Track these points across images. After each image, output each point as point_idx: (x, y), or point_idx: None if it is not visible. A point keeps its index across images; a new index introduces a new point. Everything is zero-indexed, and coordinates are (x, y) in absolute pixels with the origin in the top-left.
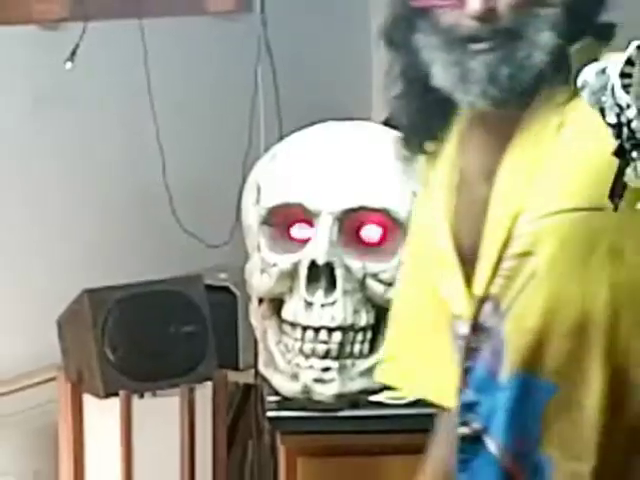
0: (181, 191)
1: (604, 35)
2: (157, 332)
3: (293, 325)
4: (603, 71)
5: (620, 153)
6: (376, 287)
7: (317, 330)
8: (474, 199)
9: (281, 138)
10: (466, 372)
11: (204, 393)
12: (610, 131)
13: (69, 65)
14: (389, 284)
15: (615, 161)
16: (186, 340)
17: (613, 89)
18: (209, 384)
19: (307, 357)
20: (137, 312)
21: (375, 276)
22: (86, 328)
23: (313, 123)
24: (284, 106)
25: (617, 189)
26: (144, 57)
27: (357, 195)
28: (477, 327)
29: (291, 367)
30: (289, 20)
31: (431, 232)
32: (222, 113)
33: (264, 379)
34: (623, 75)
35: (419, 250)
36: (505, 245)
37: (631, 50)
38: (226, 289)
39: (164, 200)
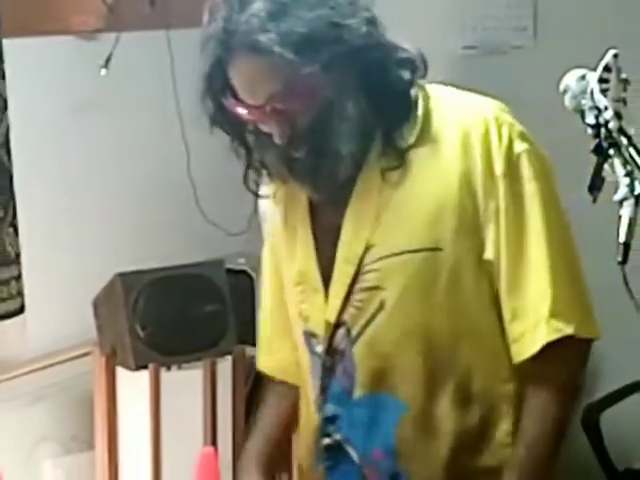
0: (204, 185)
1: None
2: (182, 311)
3: None
4: (583, 77)
5: (598, 151)
6: None
7: None
8: (330, 228)
9: None
10: (325, 389)
11: (225, 366)
12: (590, 131)
13: (104, 72)
14: None
15: (447, 207)
16: (209, 318)
17: (592, 93)
18: (229, 358)
19: None
20: (165, 293)
21: None
22: (118, 308)
23: None
24: None
25: (596, 183)
26: (171, 63)
27: None
28: (331, 349)
29: None
30: None
31: (293, 251)
32: None
33: None
34: (601, 80)
35: (280, 268)
36: (355, 279)
37: (608, 58)
38: (245, 273)
39: (189, 193)
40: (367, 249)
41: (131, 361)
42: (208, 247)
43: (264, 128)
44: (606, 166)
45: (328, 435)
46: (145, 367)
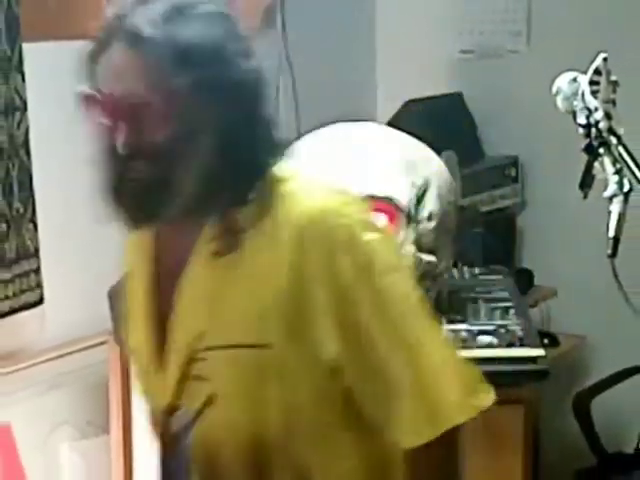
0: None
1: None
2: None
3: None
4: (575, 79)
5: (589, 150)
6: None
7: None
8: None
9: (299, 137)
10: (162, 471)
11: None
12: (581, 130)
13: None
14: None
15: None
16: None
17: (583, 95)
18: None
19: None
20: None
21: None
22: None
23: (327, 124)
24: (302, 110)
25: (586, 181)
26: None
27: (365, 185)
28: (167, 435)
29: None
30: (306, 37)
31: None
32: None
33: None
34: (592, 83)
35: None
36: (187, 364)
37: (598, 61)
38: None
39: None
40: (200, 335)
41: None
42: None
43: (108, 135)
44: (596, 164)
45: None
46: None
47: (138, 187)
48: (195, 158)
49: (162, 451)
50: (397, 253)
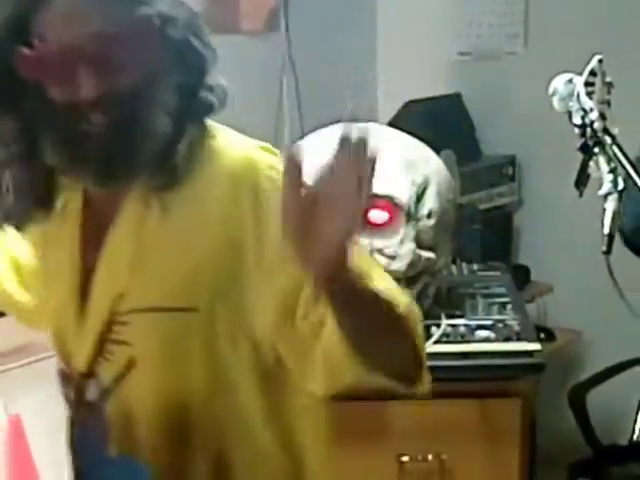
0: None
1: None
2: None
3: None
4: (570, 81)
5: (584, 149)
6: (380, 260)
7: None
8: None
9: (303, 136)
10: (73, 441)
11: None
12: (576, 130)
13: None
14: (391, 258)
15: (210, 262)
16: None
17: (579, 96)
18: None
19: None
20: None
21: (380, 251)
22: None
23: (329, 124)
24: (305, 109)
25: (582, 179)
26: None
27: None
28: (82, 401)
29: None
30: (309, 39)
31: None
32: (253, 116)
33: None
34: (587, 84)
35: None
36: (106, 327)
37: (594, 63)
38: None
39: None
40: (120, 297)
41: None
42: None
43: (55, 90)
44: (591, 163)
45: None
46: None
47: (104, 138)
48: (168, 96)
49: (76, 419)
50: None
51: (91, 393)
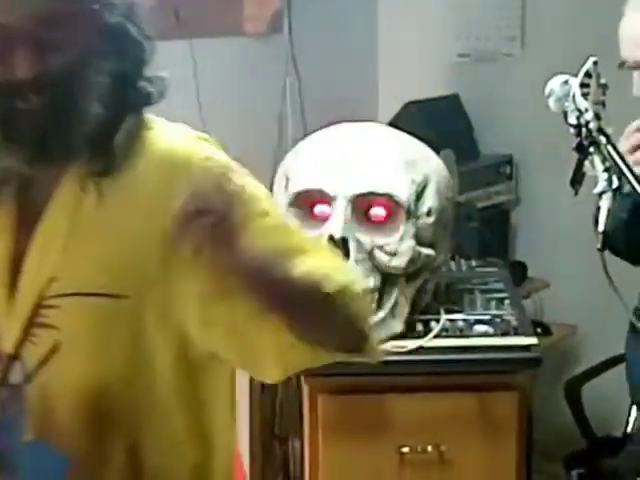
0: None
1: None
2: None
3: None
4: (566, 82)
5: (579, 148)
6: (381, 257)
7: None
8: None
9: (305, 136)
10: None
11: None
12: (572, 130)
13: None
14: (392, 254)
15: (139, 251)
16: None
17: (574, 96)
18: None
19: None
20: None
21: (381, 248)
22: None
23: (331, 124)
24: (307, 110)
25: (577, 178)
26: (194, 70)
27: (366, 182)
28: (6, 383)
29: None
30: (311, 41)
31: None
32: (256, 116)
33: None
34: (582, 85)
35: None
36: (35, 310)
37: (589, 64)
38: None
39: None
40: (50, 280)
41: None
42: None
43: None
44: (587, 162)
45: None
46: None
47: (39, 117)
48: (103, 78)
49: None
50: (266, 199)
51: (15, 376)
